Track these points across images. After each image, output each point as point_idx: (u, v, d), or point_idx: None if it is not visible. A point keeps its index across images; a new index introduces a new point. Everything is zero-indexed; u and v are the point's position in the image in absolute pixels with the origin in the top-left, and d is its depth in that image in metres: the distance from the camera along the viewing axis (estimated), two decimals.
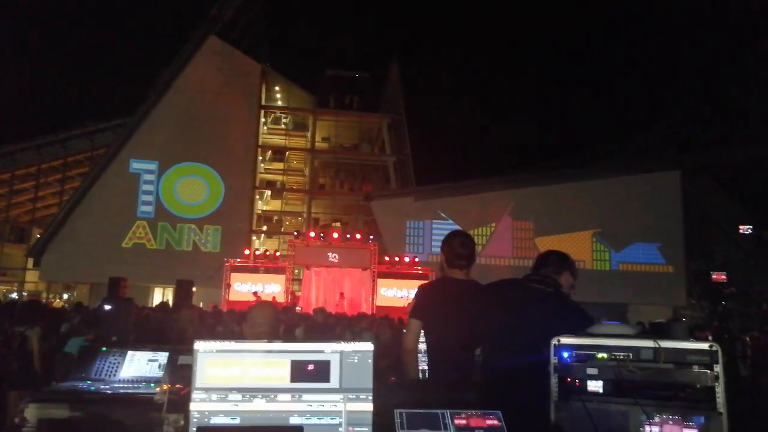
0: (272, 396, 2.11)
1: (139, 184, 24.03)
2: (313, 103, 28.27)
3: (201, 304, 16.68)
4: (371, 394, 2.14)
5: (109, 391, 3.00)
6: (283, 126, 29.12)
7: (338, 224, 26.41)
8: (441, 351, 3.08)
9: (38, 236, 25.12)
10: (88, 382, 3.16)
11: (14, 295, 24.40)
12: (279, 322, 2.77)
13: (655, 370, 2.03)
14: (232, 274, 19.49)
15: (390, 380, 4.13)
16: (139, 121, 24.19)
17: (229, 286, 19.16)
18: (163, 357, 3.36)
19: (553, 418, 2.09)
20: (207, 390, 2.10)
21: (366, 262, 19.79)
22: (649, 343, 2.05)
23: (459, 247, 3.25)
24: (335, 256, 19.66)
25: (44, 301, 21.67)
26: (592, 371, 2.08)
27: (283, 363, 2.14)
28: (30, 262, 25.10)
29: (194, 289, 16.81)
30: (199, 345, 2.15)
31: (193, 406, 2.09)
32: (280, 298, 18.34)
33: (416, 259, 20.61)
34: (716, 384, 1.98)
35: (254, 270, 20.04)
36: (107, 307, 6.48)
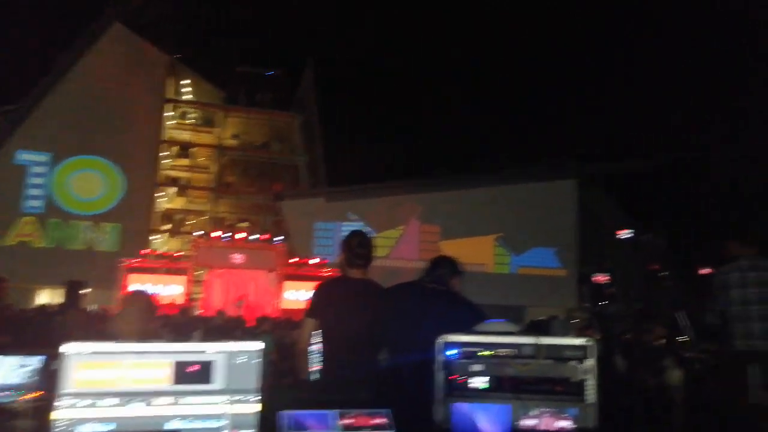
0: (150, 399, 2.00)
1: (26, 177, 22.30)
2: (223, 99, 27.49)
3: (96, 307, 15.72)
4: (258, 395, 2.09)
5: None
6: (190, 121, 28.08)
7: (245, 224, 25.81)
8: (334, 350, 3.06)
9: None
10: None
11: None
12: (153, 316, 2.63)
13: (535, 366, 2.12)
14: (128, 275, 18.49)
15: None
16: (29, 109, 22.44)
17: (125, 287, 18.17)
18: (36, 362, 3.11)
19: (438, 415, 2.12)
20: (76, 395, 1.96)
21: (272, 263, 19.44)
22: (530, 340, 2.14)
23: (357, 246, 3.27)
24: (240, 257, 19.16)
25: None
26: (477, 368, 2.14)
27: (165, 364, 2.04)
28: None
29: (88, 290, 15.83)
30: (67, 347, 2.00)
31: (59, 414, 1.94)
32: (180, 301, 17.63)
33: (324, 261, 20.48)
34: (588, 377, 2.10)
35: (153, 271, 19.13)
36: None
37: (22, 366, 3.12)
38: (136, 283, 18.27)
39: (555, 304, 22.33)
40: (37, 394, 2.60)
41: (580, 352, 2.14)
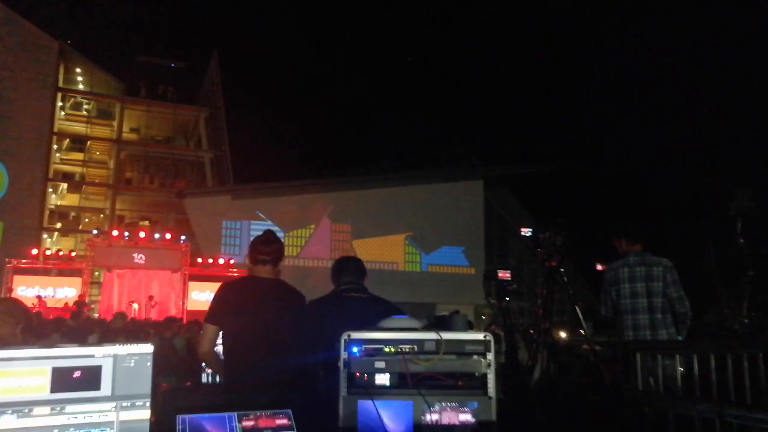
0: (26, 410, 1.83)
1: None
2: (122, 90, 26.03)
3: None
4: (149, 400, 1.97)
5: None
6: (84, 113, 26.35)
7: (146, 223, 24.60)
8: (238, 352, 2.95)
9: None
10: None
11: None
12: (22, 319, 2.42)
13: (438, 361, 2.14)
14: (14, 276, 17.08)
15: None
16: None
17: (11, 290, 16.75)
18: None
19: (341, 413, 2.09)
20: None
21: (177, 263, 18.65)
22: (432, 335, 2.15)
23: (261, 243, 3.18)
24: (141, 257, 18.21)
25: None
26: (380, 365, 2.13)
27: (42, 371, 1.87)
28: None
29: None
30: None
31: None
32: (72, 304, 16.51)
33: (231, 261, 19.93)
34: (488, 371, 2.15)
35: (44, 272, 17.80)
36: None
37: None
38: (23, 286, 16.93)
39: (465, 301, 23.02)
40: None
41: (482, 347, 2.18)
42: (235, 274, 18.87)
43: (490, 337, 2.18)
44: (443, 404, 2.12)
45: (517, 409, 3.26)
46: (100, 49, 25.76)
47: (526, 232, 4.40)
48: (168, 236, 18.97)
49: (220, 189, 24.48)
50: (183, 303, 18.12)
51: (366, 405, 2.09)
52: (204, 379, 3.74)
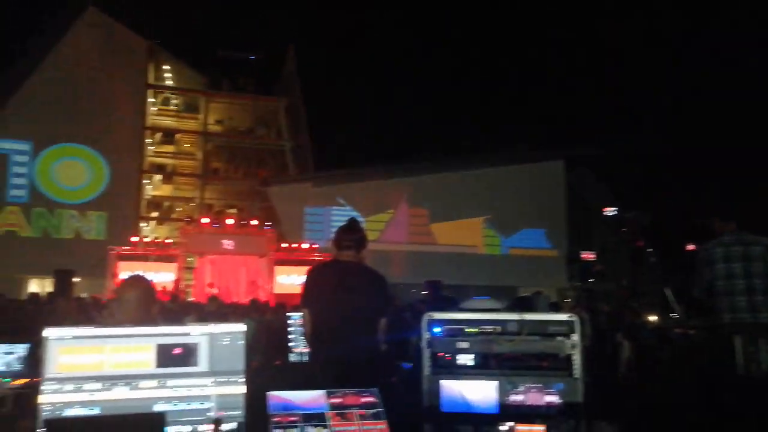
0: (135, 383, 1.99)
1: (9, 166, 21.99)
2: (206, 84, 27.11)
3: (85, 295, 15.60)
4: (243, 376, 2.08)
5: None
6: (173, 107, 27.71)
7: (233, 210, 25.66)
8: (324, 332, 3.06)
9: None
10: None
11: None
12: (152, 302, 2.60)
13: (520, 342, 2.12)
14: (119, 263, 18.35)
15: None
16: (6, 97, 22.03)
17: (115, 275, 18.02)
18: (22, 350, 3.09)
19: (425, 392, 2.13)
20: (60, 380, 1.94)
21: (263, 249, 19.37)
22: (514, 316, 2.14)
23: (345, 231, 3.29)
24: (230, 243, 19.07)
25: None
26: (463, 345, 2.15)
27: (147, 347, 2.02)
28: None
29: (77, 279, 15.70)
30: (49, 332, 1.98)
31: (43, 398, 1.92)
32: (172, 288, 17.54)
33: (315, 246, 20.44)
34: (573, 352, 2.11)
35: (143, 258, 19.00)
36: None
37: (8, 353, 3.10)
38: (127, 271, 18.16)
39: (546, 283, 22.52)
40: (24, 381, 2.58)
41: (566, 328, 2.15)
42: (319, 258, 19.37)
43: (574, 317, 2.15)
44: (528, 385, 2.11)
45: (604, 393, 3.18)
46: (185, 46, 26.70)
47: (609, 212, 4.23)
48: (254, 223, 19.73)
49: (301, 177, 25.12)
50: (270, 286, 18.83)
51: (449, 384, 2.12)
52: (292, 358, 3.90)
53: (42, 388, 1.93)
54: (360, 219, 23.21)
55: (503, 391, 2.11)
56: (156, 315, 2.59)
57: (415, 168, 25.22)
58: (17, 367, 2.97)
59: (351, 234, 3.26)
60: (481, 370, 2.13)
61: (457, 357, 2.15)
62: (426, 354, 2.15)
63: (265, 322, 7.47)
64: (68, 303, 7.94)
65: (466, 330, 2.15)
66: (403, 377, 3.28)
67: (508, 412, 2.06)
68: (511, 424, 2.03)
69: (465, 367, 2.14)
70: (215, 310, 9.56)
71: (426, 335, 2.16)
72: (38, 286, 21.37)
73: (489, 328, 2.14)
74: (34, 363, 2.93)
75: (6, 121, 21.92)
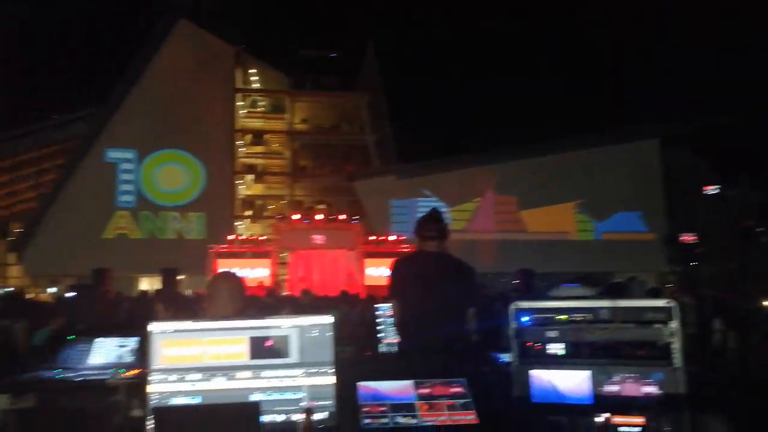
0: (232, 374, 2.09)
1: (117, 174, 23.71)
2: (290, 84, 27.91)
3: (189, 292, 16.57)
4: (333, 368, 2.13)
5: (77, 379, 2.97)
6: (260, 109, 28.79)
7: (322, 206, 26.31)
8: (411, 323, 3.07)
9: (18, 231, 24.77)
10: (57, 370, 3.12)
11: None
12: (242, 296, 2.71)
13: (614, 330, 2.03)
14: (217, 260, 19.33)
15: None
16: (113, 110, 23.75)
17: (214, 272, 19.01)
18: (133, 342, 3.33)
19: (514, 382, 2.09)
20: (164, 371, 2.08)
21: (351, 242, 19.75)
22: (606, 303, 2.05)
23: (426, 221, 3.29)
24: (320, 238, 19.59)
25: (31, 295, 21.45)
26: (552, 334, 2.08)
27: (241, 340, 2.12)
28: (12, 257, 24.80)
29: (181, 276, 16.69)
30: (153, 326, 2.12)
31: (151, 388, 2.06)
32: (267, 283, 18.28)
33: (402, 238, 20.58)
34: (673, 340, 1.99)
35: (240, 255, 19.90)
36: (68, 295, 6.43)
37: (121, 346, 3.35)
38: (225, 268, 19.11)
39: (645, 268, 21.48)
40: (136, 372, 2.78)
41: (664, 314, 2.03)
42: (407, 250, 19.47)
43: (673, 303, 2.02)
44: (624, 375, 2.01)
45: (710, 382, 2.98)
46: (269, 49, 27.58)
47: (711, 190, 3.96)
48: (342, 217, 20.16)
49: (386, 170, 25.31)
50: (360, 279, 19.18)
51: (539, 374, 2.06)
52: (382, 349, 3.95)
53: (149, 378, 2.07)
54: (446, 209, 23.18)
55: (597, 381, 2.03)
56: (246, 309, 2.69)
57: (502, 154, 24.74)
58: (129, 358, 3.21)
59: (433, 224, 3.24)
60: (572, 359, 2.06)
61: (546, 346, 2.09)
62: (514, 343, 2.11)
63: (354, 313, 7.62)
64: (173, 298, 8.45)
65: (556, 318, 2.09)
66: (494, 367, 3.24)
67: (602, 402, 1.98)
68: (607, 415, 1.95)
69: (555, 356, 2.08)
70: (308, 303, 9.87)
71: (513, 324, 2.11)
72: (148, 283, 22.98)
73: (580, 316, 2.06)
74: (143, 355, 3.14)
75: (114, 132, 23.62)
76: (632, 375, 2.00)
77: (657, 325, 2.02)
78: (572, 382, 2.04)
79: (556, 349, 2.09)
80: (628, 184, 23.92)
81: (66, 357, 3.22)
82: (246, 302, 2.70)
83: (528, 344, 2.10)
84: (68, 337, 3.32)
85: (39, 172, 26.46)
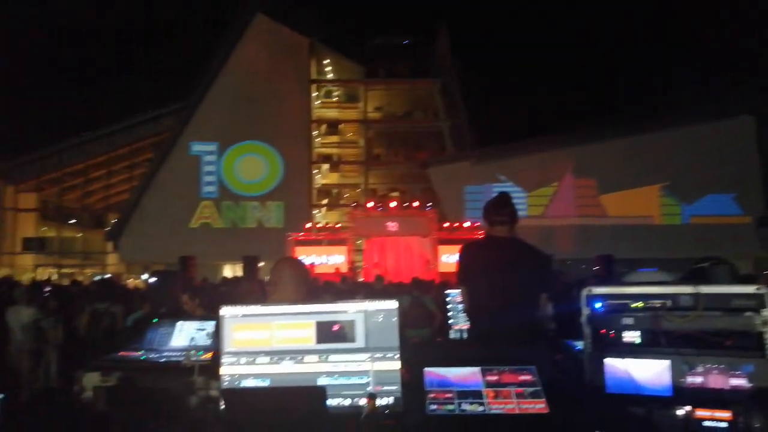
0: (300, 358, 2.12)
1: (201, 166, 24.79)
2: (363, 73, 28.04)
3: (267, 278, 17.08)
4: (398, 353, 2.12)
5: (161, 360, 3.13)
6: (335, 99, 29.17)
7: (396, 193, 26.38)
8: (480, 309, 3.01)
9: (114, 221, 26.48)
10: (141, 351, 3.31)
11: (98, 278, 25.94)
12: (306, 281, 2.74)
13: (696, 317, 1.90)
14: (296, 247, 19.85)
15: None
16: (196, 105, 24.82)
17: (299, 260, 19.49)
18: (211, 326, 3.46)
19: (587, 371, 1.99)
20: (236, 354, 2.14)
21: (425, 229, 19.73)
22: (688, 290, 1.91)
23: (495, 206, 3.18)
24: (395, 225, 19.71)
25: (125, 281, 22.90)
26: (628, 321, 1.97)
27: (308, 324, 2.15)
28: (109, 245, 26.55)
29: (262, 264, 17.26)
30: (224, 310, 2.18)
31: (224, 370, 2.13)
32: (344, 269, 18.59)
33: (476, 224, 20.33)
34: (766, 329, 1.83)
35: (317, 243, 20.34)
36: (152, 280, 6.77)
37: (200, 330, 3.50)
38: (302, 255, 19.59)
39: (736, 254, 20.16)
40: (210, 354, 2.88)
41: (755, 302, 1.87)
42: (481, 236, 19.19)
43: (765, 290, 1.86)
44: (708, 366, 1.88)
45: None
46: (342, 39, 27.80)
47: None
48: (416, 204, 20.16)
49: (460, 156, 25.03)
50: (435, 266, 19.14)
51: (614, 363, 1.96)
52: (452, 335, 3.92)
53: (222, 360, 2.14)
54: (522, 195, 22.65)
55: (678, 372, 1.90)
56: (310, 295, 2.72)
57: (581, 137, 23.82)
58: (207, 341, 3.33)
59: (503, 208, 3.14)
60: (650, 348, 1.94)
61: (621, 334, 1.98)
62: (587, 331, 2.01)
63: (427, 299, 7.60)
64: (251, 284, 8.76)
65: (632, 305, 1.97)
66: (569, 355, 3.13)
67: (684, 395, 1.85)
68: (689, 408, 1.82)
69: (631, 344, 1.97)
70: (381, 289, 9.95)
71: (586, 311, 2.02)
72: (231, 271, 23.96)
73: (657, 303, 1.94)
74: (216, 338, 3.25)
75: (197, 125, 24.70)
76: (718, 366, 1.87)
77: (748, 314, 1.87)
78: (650, 373, 1.93)
79: (632, 337, 1.98)
80: (720, 164, 22.44)
81: (150, 339, 3.40)
82: (310, 288, 2.73)
83: (602, 332, 2.00)
84: (152, 320, 3.50)
85: (132, 166, 28.04)
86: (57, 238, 29.04)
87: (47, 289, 8.84)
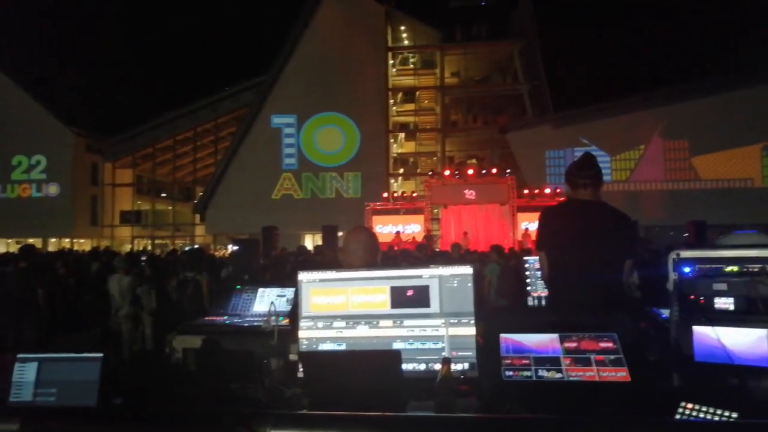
0: (375, 322, 2.15)
1: (281, 138, 25.41)
2: (440, 38, 27.48)
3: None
4: (473, 318, 2.10)
5: (244, 324, 3.27)
6: (411, 66, 28.85)
7: (473, 161, 26.01)
8: (561, 275, 2.91)
9: (200, 194, 27.77)
10: (226, 317, 3.47)
11: (186, 248, 27.44)
12: (376, 249, 2.76)
13: None
14: (373, 217, 20.10)
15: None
16: (275, 77, 25.32)
17: (371, 228, 19.75)
18: (290, 292, 3.57)
19: (673, 339, 1.89)
20: (313, 318, 2.19)
21: (504, 196, 19.39)
22: None
23: (578, 168, 3.02)
24: (472, 193, 19.50)
25: (212, 251, 24.10)
26: (720, 287, 1.85)
27: (383, 289, 2.16)
28: (197, 217, 27.95)
29: (340, 233, 17.61)
30: (302, 275, 2.23)
31: (301, 334, 2.19)
32: (420, 238, 18.65)
33: (558, 190, 19.73)
34: None
35: (394, 212, 20.50)
36: (234, 248, 7.02)
37: (280, 296, 3.62)
38: (379, 224, 19.84)
39: None
40: (289, 320, 2.97)
41: None
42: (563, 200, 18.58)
43: None
44: None
45: None
46: (418, 3, 27.29)
47: None
48: (494, 171, 19.80)
49: (540, 119, 24.22)
50: (514, 233, 18.82)
51: (704, 331, 1.85)
52: (530, 302, 3.84)
53: (300, 324, 2.20)
54: (606, 158, 21.72)
55: None
56: (378, 263, 2.74)
57: (670, 96, 22.37)
58: (287, 307, 3.44)
59: (587, 170, 2.99)
60: (745, 315, 1.81)
61: (713, 300, 1.86)
62: (674, 297, 1.90)
63: (508, 267, 7.49)
64: (333, 252, 8.97)
65: (726, 269, 1.84)
66: (654, 323, 2.99)
67: None
68: None
69: (724, 311, 1.84)
70: (458, 257, 9.88)
71: (674, 276, 1.91)
72: (311, 240, 24.62)
73: (756, 267, 1.80)
74: (295, 304, 3.35)
75: (276, 98, 25.26)
76: None
77: None
78: (744, 342, 1.80)
79: (725, 304, 1.85)
80: None
81: (234, 304, 3.56)
82: (379, 255, 2.74)
83: (691, 298, 1.89)
84: (236, 287, 3.65)
85: (216, 140, 29.17)
86: (151, 211, 30.91)
87: (143, 258, 9.44)
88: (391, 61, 27.58)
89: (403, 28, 28.03)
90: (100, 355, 1.98)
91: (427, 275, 2.14)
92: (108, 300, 7.64)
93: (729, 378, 1.73)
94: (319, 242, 20.02)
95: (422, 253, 10.37)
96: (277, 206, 24.37)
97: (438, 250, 16.09)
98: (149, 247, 27.87)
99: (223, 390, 2.14)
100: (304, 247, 13.31)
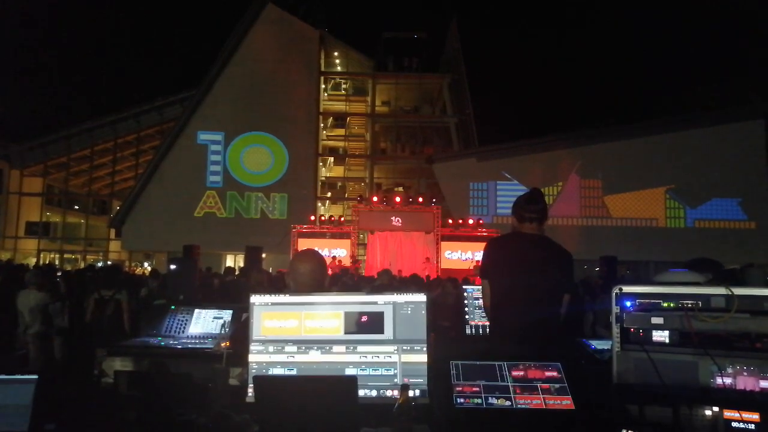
0: (327, 347, 2.13)
1: (207, 155, 24.77)
2: (372, 66, 27.97)
3: (270, 270, 17.14)
4: (425, 345, 2.13)
5: (178, 346, 3.15)
6: (343, 92, 29.11)
7: (401, 188, 26.39)
8: (505, 305, 3.00)
9: (117, 208, 26.50)
10: (159, 338, 3.32)
11: (99, 264, 25.97)
12: (324, 273, 2.75)
13: (728, 319, 1.90)
14: (299, 239, 19.90)
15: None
16: (204, 94, 24.77)
17: (296, 251, 19.59)
18: (227, 315, 3.47)
19: (615, 368, 2.00)
20: (264, 342, 2.15)
21: (429, 225, 19.75)
22: (720, 291, 1.92)
23: (527, 202, 3.13)
24: (398, 220, 19.73)
25: (127, 268, 22.96)
26: (657, 321, 1.98)
27: (336, 315, 2.16)
28: (112, 232, 26.59)
29: (264, 255, 17.28)
30: (255, 298, 2.19)
31: (252, 358, 2.14)
32: (346, 263, 18.63)
33: (480, 222, 20.38)
34: None
35: (320, 235, 20.39)
36: (173, 267, 6.78)
37: (216, 318, 3.51)
38: (305, 247, 19.61)
39: (742, 260, 20.14)
40: (227, 343, 2.89)
41: None
42: (484, 234, 19.25)
43: None
44: (738, 367, 1.89)
45: None
46: (352, 31, 27.74)
47: None
48: (420, 200, 20.17)
49: (465, 152, 24.99)
50: (437, 262, 19.17)
51: (641, 361, 1.97)
52: (468, 331, 3.92)
53: (251, 348, 2.15)
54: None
55: (706, 373, 1.91)
56: (327, 287, 2.73)
57: (587, 137, 23.80)
58: (224, 330, 3.34)
59: (533, 205, 3.11)
60: (679, 348, 1.95)
61: (651, 333, 1.99)
62: (615, 329, 2.02)
63: (432, 296, 7.61)
64: (260, 274, 8.78)
65: (663, 304, 1.98)
66: (586, 353, 3.14)
67: (712, 395, 1.86)
68: (716, 409, 1.83)
69: (660, 344, 1.97)
70: (387, 284, 9.93)
71: (616, 309, 2.03)
72: (232, 261, 24.00)
73: (689, 303, 1.95)
74: (235, 327, 3.27)
75: (204, 114, 24.67)
76: (748, 368, 1.87)
77: None
78: (678, 372, 1.94)
79: (662, 336, 1.98)
80: (726, 168, 22.43)
81: (168, 326, 3.41)
82: (327, 279, 2.74)
83: (631, 330, 2.01)
84: (171, 307, 3.51)
85: (137, 153, 28.03)
86: (61, 223, 29.12)
87: (58, 273, 8.87)
88: (323, 86, 27.72)
89: (336, 53, 28.31)
90: (35, 376, 1.85)
91: (382, 302, 2.16)
92: (10, 317, 7.09)
93: (665, 405, 1.84)
94: (242, 263, 19.56)
95: (348, 277, 10.36)
96: (199, 224, 23.62)
97: (363, 275, 16.11)
98: (57, 262, 26.18)
99: (165, 415, 2.05)
100: (232, 267, 12.96)
